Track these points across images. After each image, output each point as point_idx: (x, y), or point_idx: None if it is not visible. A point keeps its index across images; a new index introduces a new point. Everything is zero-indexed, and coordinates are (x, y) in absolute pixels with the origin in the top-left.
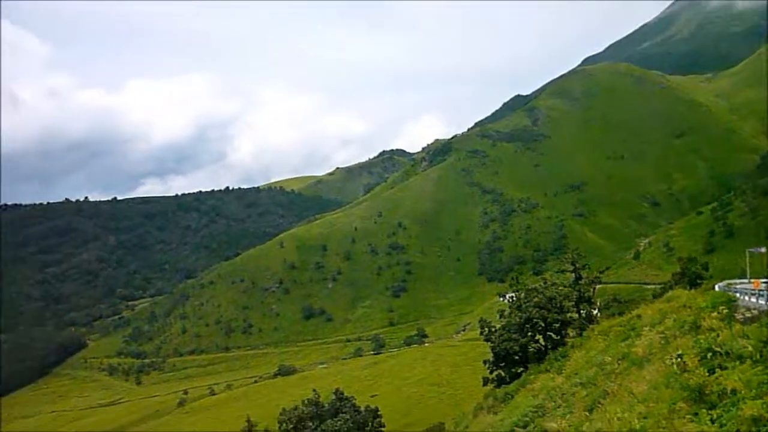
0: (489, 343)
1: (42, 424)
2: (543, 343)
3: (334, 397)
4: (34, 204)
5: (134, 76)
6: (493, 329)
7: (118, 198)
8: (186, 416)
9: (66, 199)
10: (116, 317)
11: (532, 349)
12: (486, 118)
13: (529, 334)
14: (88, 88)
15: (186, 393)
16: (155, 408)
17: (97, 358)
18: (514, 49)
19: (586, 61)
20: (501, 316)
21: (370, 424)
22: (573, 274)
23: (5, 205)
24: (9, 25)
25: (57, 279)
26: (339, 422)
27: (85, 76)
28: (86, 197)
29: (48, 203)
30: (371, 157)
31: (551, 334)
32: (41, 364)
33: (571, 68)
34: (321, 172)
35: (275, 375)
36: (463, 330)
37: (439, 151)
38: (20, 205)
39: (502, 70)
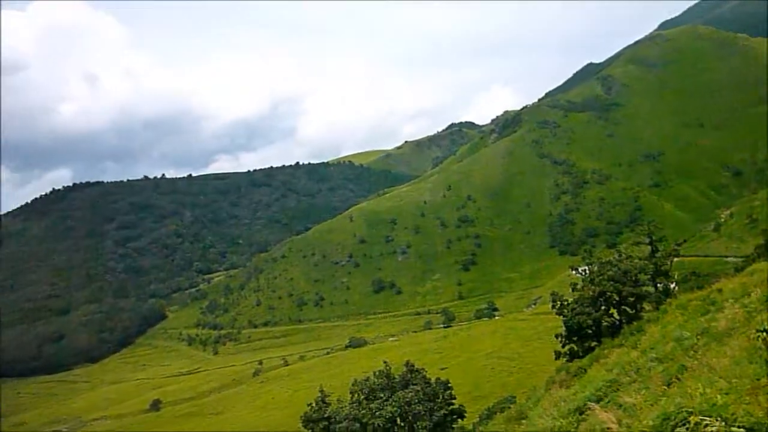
0: (561, 316)
1: (127, 390)
2: (617, 317)
3: (404, 369)
4: (115, 181)
5: (206, 55)
6: (565, 303)
7: (193, 175)
8: (261, 385)
9: (144, 176)
10: (194, 290)
11: (605, 323)
12: (557, 88)
13: (603, 307)
14: (162, 68)
15: (261, 363)
16: (232, 377)
17: (176, 329)
18: (587, 16)
19: (663, 25)
20: (573, 290)
21: (440, 396)
22: (649, 247)
23: (88, 182)
24: (88, 8)
25: (138, 253)
26: (410, 393)
27: (159, 55)
28: (163, 174)
29: (128, 180)
30: (440, 130)
31: (626, 308)
32: (126, 334)
33: (647, 33)
34: (390, 146)
35: (346, 347)
36: (534, 304)
37: (508, 122)
38: (102, 182)
39: (574, 39)
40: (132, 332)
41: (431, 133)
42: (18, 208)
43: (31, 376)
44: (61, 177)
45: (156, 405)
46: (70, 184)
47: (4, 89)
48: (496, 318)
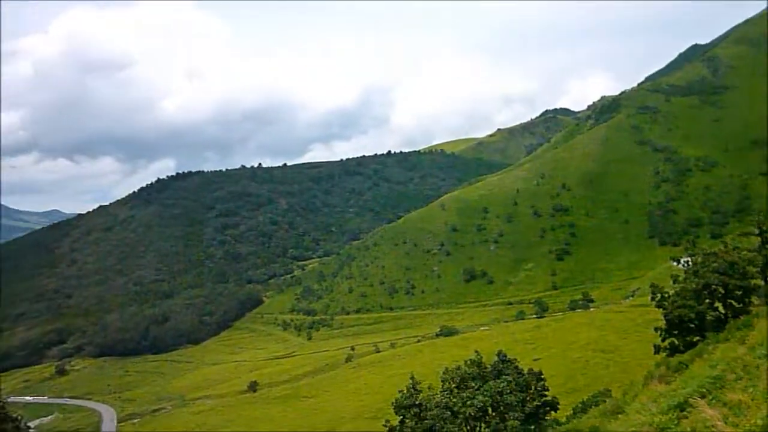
0: (661, 309)
1: (226, 371)
2: (722, 311)
3: (496, 358)
4: (215, 170)
5: (302, 47)
6: (666, 295)
7: (288, 164)
8: (353, 371)
9: (242, 165)
10: (288, 276)
11: (709, 317)
12: (658, 72)
13: (707, 301)
14: (260, 61)
15: (353, 349)
16: (325, 362)
17: (272, 314)
18: None
19: None
20: (674, 282)
21: (533, 387)
22: (758, 238)
23: (190, 172)
24: (190, 6)
25: (236, 240)
26: (502, 384)
27: (257, 49)
28: (260, 163)
29: (226, 170)
30: (533, 117)
31: (732, 301)
32: (225, 318)
33: (758, 11)
34: (482, 133)
35: (437, 335)
36: (632, 295)
37: (606, 108)
38: (203, 171)
39: (677, 20)
40: (230, 316)
41: (525, 120)
42: (126, 196)
43: (139, 355)
44: (165, 166)
45: (253, 386)
46: (174, 174)
47: (113, 85)
48: (592, 309)
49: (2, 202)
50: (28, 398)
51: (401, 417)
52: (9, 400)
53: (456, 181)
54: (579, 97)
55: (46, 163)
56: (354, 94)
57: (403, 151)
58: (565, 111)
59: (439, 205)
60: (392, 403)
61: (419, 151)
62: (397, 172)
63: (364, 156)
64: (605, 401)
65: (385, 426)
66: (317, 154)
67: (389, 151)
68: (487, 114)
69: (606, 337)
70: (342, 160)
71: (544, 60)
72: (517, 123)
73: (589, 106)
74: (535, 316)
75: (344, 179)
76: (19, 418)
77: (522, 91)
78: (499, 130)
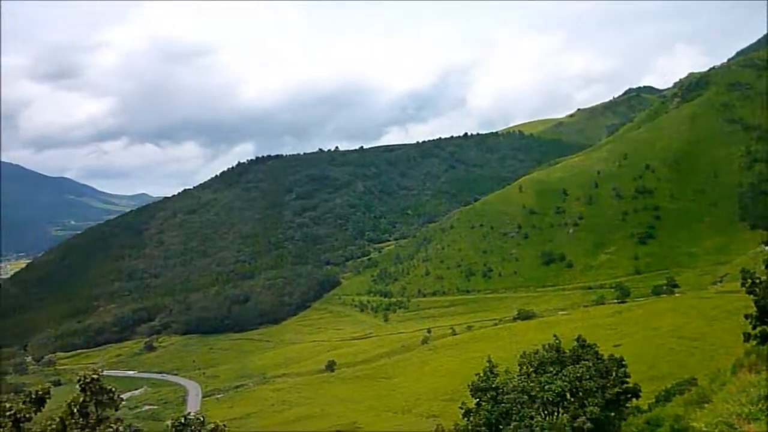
0: (752, 295)
1: (305, 350)
2: None
3: (575, 343)
4: (293, 154)
5: (377, 30)
6: (758, 280)
7: (365, 147)
8: (429, 353)
9: (319, 149)
10: (365, 258)
11: None
12: (750, 46)
13: None
14: (336, 45)
15: (429, 331)
16: (401, 343)
17: (349, 295)
18: None
19: None
20: (767, 267)
21: (614, 373)
22: None
23: (269, 156)
24: None
25: (314, 222)
26: (581, 369)
27: (333, 33)
28: (336, 147)
29: (304, 153)
30: (615, 96)
31: None
32: (303, 298)
33: None
34: (561, 114)
35: (514, 319)
36: (720, 281)
37: (693, 85)
38: (281, 155)
39: None
40: (309, 297)
41: (606, 99)
42: (208, 180)
43: (222, 333)
44: (245, 150)
45: (331, 366)
46: (253, 158)
47: (194, 72)
48: (677, 295)
49: (94, 186)
50: (130, 372)
51: (477, 400)
52: (104, 373)
53: (534, 163)
54: (665, 74)
55: (134, 148)
56: (430, 76)
57: (480, 132)
58: (649, 89)
59: (517, 187)
60: (468, 385)
61: (496, 132)
62: (474, 154)
63: (440, 138)
64: (690, 390)
65: (461, 408)
66: (393, 137)
67: (466, 133)
68: (566, 94)
69: (691, 323)
70: (418, 142)
71: (627, 36)
72: (599, 102)
73: (675, 84)
74: (616, 301)
75: (420, 162)
76: (113, 390)
77: (604, 69)
78: (579, 109)
